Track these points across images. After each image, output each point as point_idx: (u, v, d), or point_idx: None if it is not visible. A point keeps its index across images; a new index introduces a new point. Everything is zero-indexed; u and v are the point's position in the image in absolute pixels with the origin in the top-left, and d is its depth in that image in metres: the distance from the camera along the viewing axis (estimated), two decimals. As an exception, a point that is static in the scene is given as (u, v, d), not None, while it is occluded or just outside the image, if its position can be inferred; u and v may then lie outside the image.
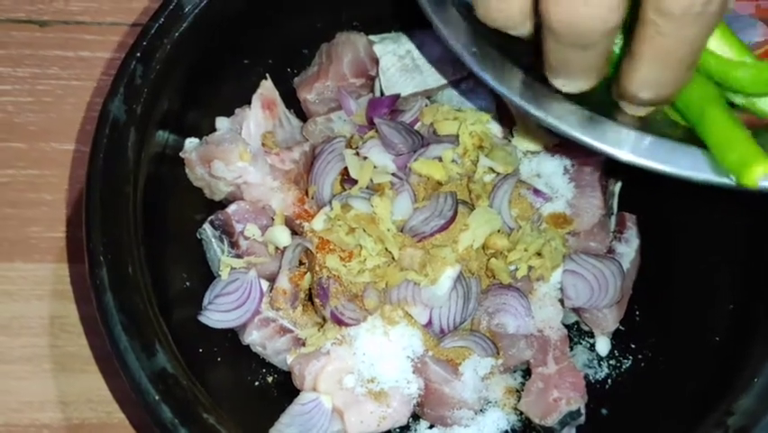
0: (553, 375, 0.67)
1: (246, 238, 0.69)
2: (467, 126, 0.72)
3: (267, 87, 0.74)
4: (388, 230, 0.66)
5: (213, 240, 0.69)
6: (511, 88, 0.55)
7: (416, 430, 0.69)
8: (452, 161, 0.70)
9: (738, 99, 0.55)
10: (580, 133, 0.53)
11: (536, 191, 0.71)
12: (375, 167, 0.69)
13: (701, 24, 0.46)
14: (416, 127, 0.73)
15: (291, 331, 0.68)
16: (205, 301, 0.67)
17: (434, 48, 0.77)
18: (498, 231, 0.68)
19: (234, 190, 0.70)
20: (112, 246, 0.59)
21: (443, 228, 0.67)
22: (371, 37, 0.77)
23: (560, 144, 0.74)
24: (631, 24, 0.48)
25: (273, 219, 0.70)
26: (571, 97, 0.54)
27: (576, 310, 0.71)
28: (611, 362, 0.72)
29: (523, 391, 0.68)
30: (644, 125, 0.54)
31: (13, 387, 0.72)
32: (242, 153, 0.68)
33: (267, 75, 0.75)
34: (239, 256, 0.69)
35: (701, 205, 0.70)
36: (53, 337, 0.74)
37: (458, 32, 0.56)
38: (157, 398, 0.55)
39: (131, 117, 0.63)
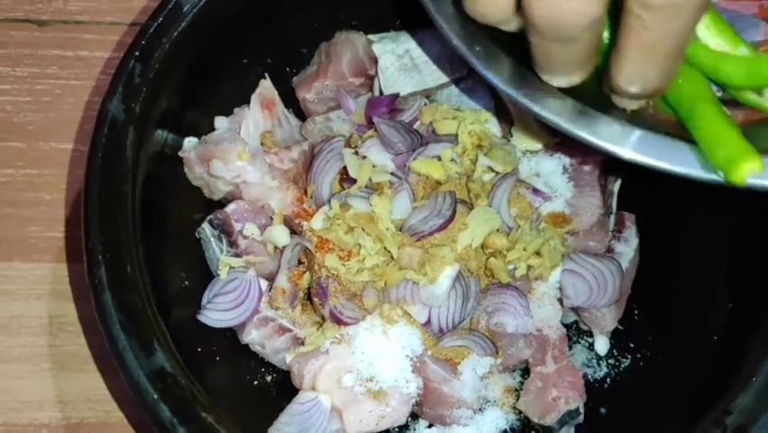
0: (551, 374, 0.67)
1: (245, 237, 0.69)
2: (466, 125, 0.72)
3: (266, 87, 0.74)
4: (387, 229, 0.66)
5: (212, 239, 0.69)
6: (511, 84, 0.55)
7: (414, 429, 0.69)
8: (451, 160, 0.70)
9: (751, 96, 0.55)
10: (575, 128, 0.53)
11: (535, 190, 0.71)
12: (374, 166, 0.69)
13: (685, 16, 0.46)
14: (414, 126, 0.73)
15: (290, 330, 0.68)
16: (204, 300, 0.67)
17: (432, 47, 0.77)
18: (497, 230, 0.68)
19: (233, 190, 0.70)
20: (110, 245, 0.59)
21: (442, 227, 0.67)
22: (370, 36, 0.78)
23: (559, 144, 0.74)
24: (616, 18, 0.48)
25: (272, 218, 0.70)
26: (568, 92, 0.54)
27: (575, 310, 0.71)
28: (610, 361, 0.72)
29: (522, 390, 0.68)
30: (646, 120, 0.54)
31: (12, 386, 0.73)
32: (240, 153, 0.68)
33: (266, 74, 0.75)
34: (238, 255, 0.69)
35: (700, 204, 0.70)
36: (52, 337, 0.75)
37: (457, 27, 0.56)
38: (155, 397, 0.55)
39: (129, 117, 0.63)
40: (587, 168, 0.73)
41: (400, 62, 0.76)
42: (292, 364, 0.66)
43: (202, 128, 0.71)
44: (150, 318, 0.58)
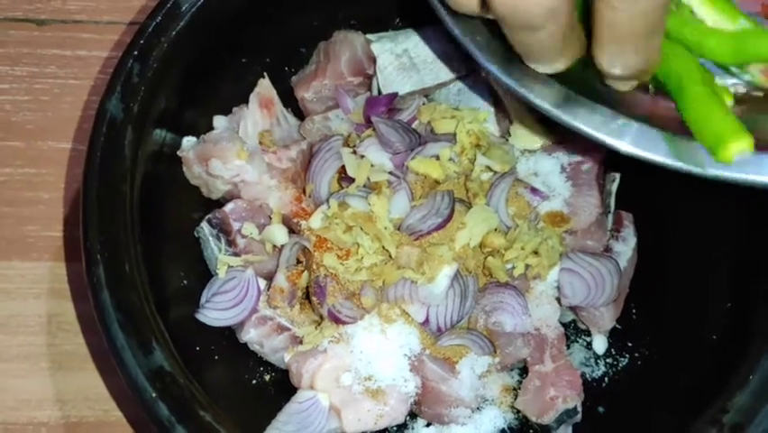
0: (549, 373, 0.67)
1: (243, 237, 0.69)
2: (464, 125, 0.72)
3: (264, 86, 0.74)
4: (386, 228, 0.66)
5: (210, 238, 0.69)
6: (506, 72, 0.55)
7: (413, 428, 0.69)
8: (450, 159, 0.70)
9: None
10: (563, 114, 0.54)
11: (533, 190, 0.71)
12: (372, 165, 0.69)
13: None
14: (413, 126, 0.73)
15: (288, 329, 0.68)
16: (203, 299, 0.67)
17: (431, 46, 0.77)
18: (495, 229, 0.68)
19: (232, 189, 0.70)
20: (109, 245, 0.59)
21: (440, 227, 0.67)
22: (369, 36, 0.78)
23: (557, 143, 0.74)
24: (591, 2, 0.49)
25: (270, 218, 0.70)
26: (570, 83, 0.55)
27: (573, 309, 0.71)
28: (608, 360, 0.72)
29: (520, 389, 0.68)
30: (643, 110, 0.55)
31: (10, 385, 0.73)
32: (239, 152, 0.68)
33: (264, 74, 0.75)
34: (236, 254, 0.69)
35: (698, 203, 0.71)
36: (51, 336, 0.75)
37: (459, 20, 0.57)
38: (154, 395, 0.56)
39: (128, 116, 0.63)
40: (585, 167, 0.73)
41: (399, 62, 0.76)
42: (290, 363, 0.66)
43: (200, 127, 0.71)
44: (148, 317, 0.58)
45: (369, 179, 0.68)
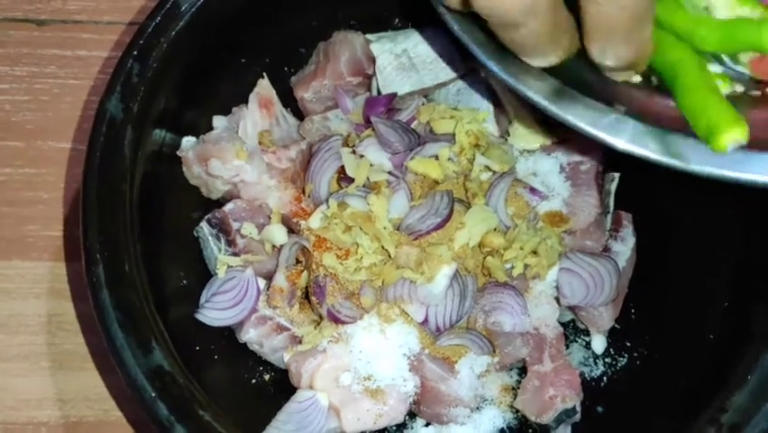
0: (548, 373, 0.67)
1: (243, 236, 0.69)
2: (463, 125, 0.72)
3: (264, 86, 0.75)
4: (385, 228, 0.66)
5: (210, 238, 0.69)
6: (503, 69, 0.56)
7: (412, 428, 0.69)
8: (449, 159, 0.70)
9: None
10: (557, 108, 0.55)
11: (532, 190, 0.71)
12: (371, 165, 0.69)
13: None
14: (412, 126, 0.73)
15: (288, 329, 0.68)
16: (202, 299, 0.67)
17: (430, 46, 0.77)
18: (495, 229, 0.68)
19: (231, 189, 0.71)
20: (108, 244, 0.59)
21: (440, 226, 0.67)
22: (368, 36, 0.78)
23: (556, 143, 0.74)
24: None
25: (270, 217, 0.70)
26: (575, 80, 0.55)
27: (572, 308, 0.71)
28: (607, 360, 0.72)
29: (519, 388, 0.68)
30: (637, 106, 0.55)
31: (10, 385, 0.73)
32: (238, 152, 0.68)
33: (264, 74, 0.75)
34: (236, 254, 0.69)
35: (697, 203, 0.71)
36: (51, 335, 0.75)
37: (460, 19, 0.58)
38: (153, 395, 0.56)
39: (127, 116, 0.63)
40: (584, 167, 0.73)
41: (398, 62, 0.76)
42: (290, 363, 0.66)
43: (200, 127, 0.71)
44: (147, 317, 0.59)
45: (368, 179, 0.69)
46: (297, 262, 0.69)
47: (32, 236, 0.78)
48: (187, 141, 0.70)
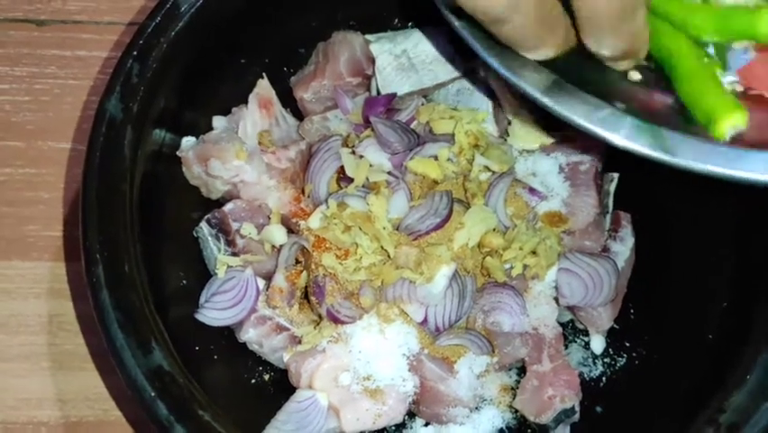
0: (547, 373, 0.67)
1: (242, 237, 0.69)
2: (463, 125, 0.72)
3: (263, 86, 0.75)
4: (384, 228, 0.66)
5: (209, 238, 0.69)
6: (505, 63, 0.57)
7: (411, 428, 0.69)
8: (448, 159, 0.71)
9: None
10: (548, 99, 0.55)
11: (532, 190, 0.71)
12: (371, 165, 0.69)
13: None
14: (411, 126, 0.73)
15: (287, 329, 0.68)
16: (202, 299, 0.67)
17: (430, 47, 0.77)
18: (494, 229, 0.68)
19: (231, 189, 0.71)
20: (108, 244, 0.59)
21: (439, 227, 0.67)
22: (368, 36, 0.78)
23: (555, 143, 0.74)
24: None
25: (269, 218, 0.70)
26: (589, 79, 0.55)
27: (571, 309, 0.71)
28: (606, 360, 0.72)
29: (518, 388, 0.69)
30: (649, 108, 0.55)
31: (11, 385, 0.73)
32: (238, 152, 0.68)
33: (263, 74, 0.75)
34: (235, 254, 0.69)
35: (696, 203, 0.71)
36: (51, 335, 0.75)
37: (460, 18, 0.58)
38: (153, 395, 0.56)
39: (127, 116, 0.63)
40: (583, 167, 0.73)
41: (397, 62, 0.76)
42: (289, 363, 0.67)
43: (200, 127, 0.72)
44: (147, 317, 0.59)
45: (367, 179, 0.69)
46: (297, 262, 0.70)
47: (33, 236, 0.78)
48: (187, 141, 0.70)
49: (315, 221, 0.68)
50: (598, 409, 0.69)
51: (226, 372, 0.68)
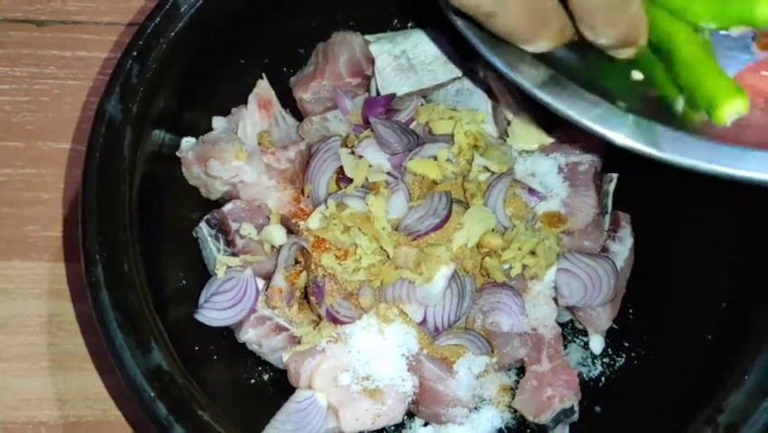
0: (546, 373, 0.67)
1: (242, 237, 0.69)
2: (462, 126, 0.72)
3: (263, 87, 0.75)
4: (383, 229, 0.67)
5: (209, 238, 0.69)
6: (501, 57, 0.57)
7: (410, 428, 0.69)
8: (447, 160, 0.71)
9: None
10: (543, 93, 0.55)
11: (531, 190, 0.71)
12: (370, 166, 0.69)
13: None
14: (411, 126, 0.73)
15: (287, 329, 0.68)
16: (201, 299, 0.67)
17: (429, 47, 0.77)
18: (493, 230, 0.68)
19: (230, 189, 0.71)
20: (107, 245, 0.59)
21: (438, 227, 0.67)
22: (367, 37, 0.78)
23: (555, 143, 0.74)
24: None
25: (269, 218, 0.71)
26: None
27: (570, 309, 0.71)
28: (605, 360, 0.72)
29: (517, 388, 0.69)
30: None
31: (10, 384, 0.73)
32: (237, 153, 0.68)
33: (263, 74, 0.75)
34: (235, 255, 0.69)
35: (695, 204, 0.71)
36: (51, 335, 0.75)
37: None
38: (152, 395, 0.56)
39: (127, 116, 0.63)
40: (582, 168, 0.73)
41: (397, 63, 0.77)
42: (289, 363, 0.67)
43: (199, 128, 0.72)
44: (146, 317, 0.59)
45: (367, 179, 0.69)
46: (296, 262, 0.70)
47: (32, 237, 0.78)
48: (187, 141, 0.70)
49: (314, 221, 0.68)
50: (597, 409, 0.69)
51: (226, 372, 0.68)
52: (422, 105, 0.75)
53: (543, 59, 0.57)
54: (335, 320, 0.66)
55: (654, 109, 0.55)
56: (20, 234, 0.78)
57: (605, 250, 0.72)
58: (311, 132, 0.75)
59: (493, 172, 0.71)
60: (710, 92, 0.51)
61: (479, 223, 0.68)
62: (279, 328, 0.68)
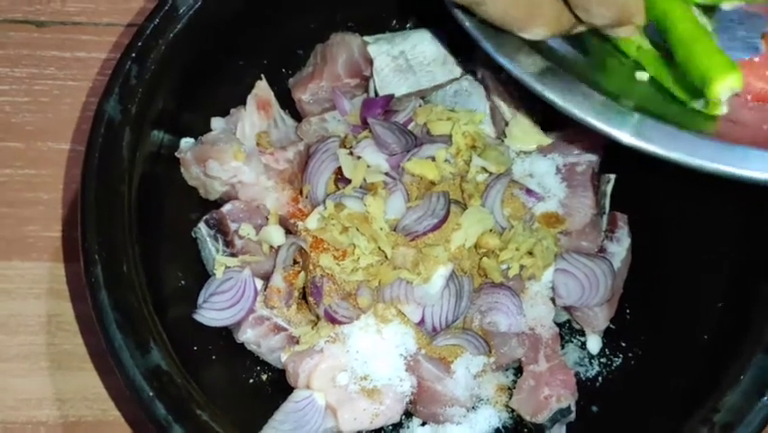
0: (544, 373, 0.68)
1: (241, 237, 0.69)
2: (460, 126, 0.72)
3: (262, 88, 0.75)
4: (381, 229, 0.67)
5: (208, 239, 0.69)
6: (499, 48, 0.58)
7: (408, 428, 0.69)
8: (445, 160, 0.71)
9: None
10: (537, 83, 0.56)
11: (529, 191, 0.72)
12: (368, 166, 0.70)
13: None
14: (409, 127, 0.73)
15: (285, 329, 0.68)
16: (200, 300, 0.67)
17: (428, 48, 0.78)
18: (491, 230, 0.69)
19: (229, 190, 0.71)
20: (107, 245, 0.60)
21: (436, 227, 0.67)
22: (366, 38, 0.78)
23: (553, 144, 0.75)
24: None
25: (267, 218, 0.71)
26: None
27: (567, 309, 0.71)
28: (602, 360, 0.72)
29: (514, 388, 0.69)
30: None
31: (10, 384, 0.73)
32: (236, 153, 0.69)
33: (262, 75, 0.75)
34: (233, 255, 0.69)
35: (692, 204, 0.71)
36: (50, 336, 0.75)
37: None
38: (151, 394, 0.56)
39: (126, 117, 0.63)
40: (580, 168, 0.73)
41: (395, 64, 0.77)
42: (287, 363, 0.67)
43: (198, 129, 0.72)
44: (145, 317, 0.59)
45: (365, 180, 0.69)
46: (295, 262, 0.70)
47: (32, 237, 0.78)
48: (186, 142, 0.71)
49: (312, 222, 0.68)
50: (594, 408, 0.69)
51: (224, 372, 0.68)
52: (420, 105, 0.75)
53: (549, 59, 0.57)
54: (333, 320, 0.66)
55: (658, 109, 0.56)
56: (19, 234, 0.78)
57: (602, 250, 0.72)
58: (309, 132, 0.75)
59: (491, 173, 0.71)
60: (704, 67, 0.51)
61: (476, 223, 0.68)
62: (278, 328, 0.68)
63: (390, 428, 0.69)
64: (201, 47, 0.69)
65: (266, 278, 0.69)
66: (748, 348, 0.60)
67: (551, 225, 0.71)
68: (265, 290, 0.68)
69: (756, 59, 0.58)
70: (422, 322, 0.66)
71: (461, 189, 0.71)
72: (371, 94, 0.77)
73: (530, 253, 0.69)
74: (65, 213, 0.80)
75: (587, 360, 0.72)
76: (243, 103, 0.74)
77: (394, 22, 0.82)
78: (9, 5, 0.87)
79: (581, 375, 0.71)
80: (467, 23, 0.59)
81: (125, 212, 0.62)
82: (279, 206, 0.71)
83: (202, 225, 0.69)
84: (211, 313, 0.67)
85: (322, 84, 0.76)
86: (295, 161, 0.72)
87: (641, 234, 0.74)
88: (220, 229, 0.69)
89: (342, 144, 0.72)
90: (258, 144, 0.72)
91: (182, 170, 0.71)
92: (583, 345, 0.73)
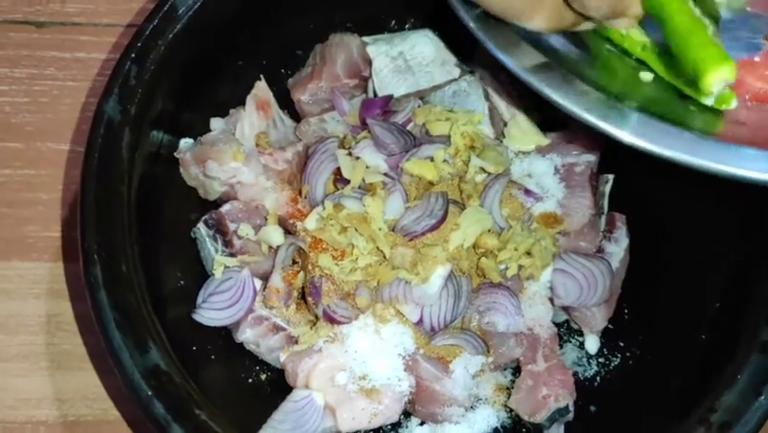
0: (542, 373, 0.68)
1: (240, 237, 0.70)
2: (459, 127, 0.72)
3: (261, 88, 0.75)
4: (380, 229, 0.67)
5: (207, 239, 0.69)
6: (497, 43, 0.58)
7: (407, 427, 0.70)
8: (444, 161, 0.71)
9: None
10: (533, 77, 0.56)
11: (527, 191, 0.72)
12: (367, 167, 0.70)
13: None
14: (408, 128, 0.73)
15: (284, 329, 0.68)
16: (199, 300, 0.68)
17: (427, 49, 0.78)
18: (489, 230, 0.69)
19: (228, 190, 0.71)
20: (106, 245, 0.60)
21: (435, 228, 0.67)
22: (365, 38, 0.78)
23: (551, 145, 0.75)
24: None
25: (266, 219, 0.71)
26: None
27: (566, 309, 0.72)
28: (600, 360, 0.72)
29: (513, 388, 0.69)
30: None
31: (10, 384, 0.73)
32: (235, 154, 0.69)
33: (261, 76, 0.76)
34: (232, 255, 0.69)
35: (691, 205, 0.71)
36: (50, 335, 0.75)
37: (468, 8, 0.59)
38: (150, 394, 0.56)
39: (125, 118, 0.64)
40: (578, 169, 0.74)
41: (394, 64, 0.77)
42: (286, 363, 0.67)
43: (197, 129, 0.72)
44: (145, 317, 0.59)
45: (364, 180, 0.69)
46: (294, 262, 0.70)
47: (32, 237, 0.79)
48: (185, 142, 0.71)
49: (311, 222, 0.69)
50: (592, 408, 0.70)
51: (223, 371, 0.68)
52: (419, 106, 0.76)
53: (552, 59, 0.57)
54: (332, 320, 0.66)
55: (661, 110, 0.56)
56: (19, 234, 0.79)
57: (600, 250, 0.73)
58: (308, 133, 0.75)
59: (489, 173, 0.71)
60: (698, 59, 0.51)
61: (475, 223, 0.68)
62: (277, 328, 0.68)
63: (389, 427, 0.69)
64: (200, 47, 0.70)
65: (265, 278, 0.69)
66: (745, 348, 0.60)
67: (549, 226, 0.72)
68: (264, 290, 0.69)
69: (756, 59, 0.58)
70: (420, 322, 0.67)
71: (460, 190, 0.71)
72: (370, 94, 0.78)
73: (528, 254, 0.69)
74: (64, 213, 0.80)
75: (585, 360, 0.73)
76: (243, 103, 0.74)
77: (393, 22, 0.82)
78: (9, 6, 0.88)
79: (579, 375, 0.72)
80: (466, 17, 0.59)
81: (125, 212, 0.62)
82: (278, 206, 0.71)
83: (201, 226, 0.69)
84: (210, 313, 0.67)
85: (321, 84, 0.76)
86: (294, 161, 0.73)
87: (639, 235, 0.74)
88: (219, 229, 0.69)
89: (341, 145, 0.72)
90: (257, 145, 0.72)
91: (181, 170, 0.71)
92: (581, 345, 0.73)
